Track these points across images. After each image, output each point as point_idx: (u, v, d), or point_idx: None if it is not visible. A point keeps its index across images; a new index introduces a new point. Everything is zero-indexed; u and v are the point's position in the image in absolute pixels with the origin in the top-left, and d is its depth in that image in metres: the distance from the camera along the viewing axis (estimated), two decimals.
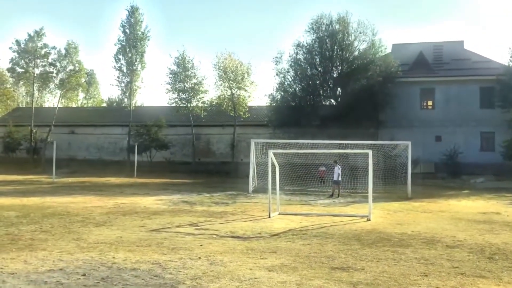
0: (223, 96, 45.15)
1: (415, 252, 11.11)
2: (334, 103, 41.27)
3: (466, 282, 8.46)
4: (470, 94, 39.84)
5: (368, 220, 16.18)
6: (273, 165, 18.17)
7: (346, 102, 38.29)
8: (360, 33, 41.01)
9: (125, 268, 9.11)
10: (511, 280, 8.68)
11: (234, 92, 44.18)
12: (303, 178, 27.18)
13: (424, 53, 42.84)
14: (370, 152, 17.08)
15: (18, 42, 49.34)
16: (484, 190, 28.30)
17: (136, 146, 42.75)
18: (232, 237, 12.93)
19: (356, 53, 41.07)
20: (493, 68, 39.87)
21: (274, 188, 18.01)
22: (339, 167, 25.02)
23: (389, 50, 43.89)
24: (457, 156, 37.28)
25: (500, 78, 37.66)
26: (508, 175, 33.81)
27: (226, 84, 44.29)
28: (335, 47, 40.76)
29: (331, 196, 24.76)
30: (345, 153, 26.13)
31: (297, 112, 39.15)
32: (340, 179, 24.88)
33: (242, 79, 44.13)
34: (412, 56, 42.50)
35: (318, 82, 42.06)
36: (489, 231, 14.22)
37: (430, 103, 41.86)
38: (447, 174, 36.22)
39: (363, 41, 41.19)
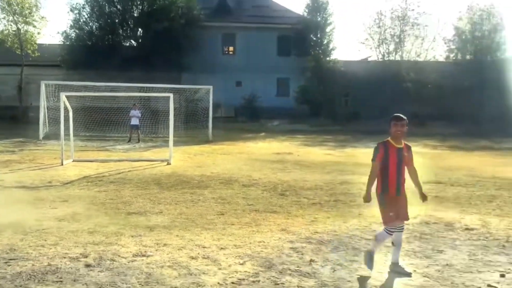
0: (7, 31, 40.09)
1: (213, 192, 11.19)
2: (135, 45, 39.70)
3: (259, 218, 8.72)
4: (268, 41, 41.69)
5: (169, 164, 15.97)
6: (66, 109, 16.74)
7: (148, 44, 37.07)
8: None
9: None
10: (298, 213, 9.20)
11: (20, 27, 39.50)
12: (101, 123, 25.79)
13: None
14: (171, 95, 16.74)
15: None
16: (279, 133, 30.18)
17: None
18: (18, 187, 11.62)
19: None
20: (290, 17, 42.17)
21: (67, 134, 16.68)
22: (139, 111, 24.28)
23: None
24: (255, 100, 39.06)
25: (296, 27, 39.99)
26: (300, 119, 36.57)
27: (11, 18, 39.34)
28: None
29: (129, 141, 24.01)
30: (146, 96, 25.39)
31: (94, 53, 36.61)
32: (139, 123, 24.20)
33: (30, 13, 39.53)
34: (214, 0, 42.67)
35: (117, 20, 39.81)
36: (282, 170, 15.06)
37: (231, 48, 42.86)
38: (246, 118, 37.81)
39: None
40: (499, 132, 28.20)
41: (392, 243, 6.03)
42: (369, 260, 5.93)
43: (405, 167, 5.97)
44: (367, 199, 5.92)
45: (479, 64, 35.54)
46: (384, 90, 35.55)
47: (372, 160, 5.94)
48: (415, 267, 6.07)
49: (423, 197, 6.07)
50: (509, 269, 6.14)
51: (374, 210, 9.47)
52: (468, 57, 38.32)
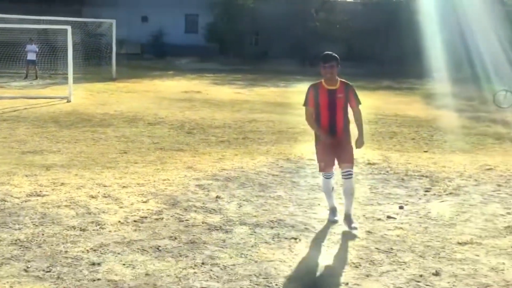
0: None
1: (116, 131, 10.68)
2: None
3: (165, 156, 8.43)
4: None
5: (69, 101, 15.03)
6: None
7: None
8: None
9: None
10: (205, 151, 9.00)
11: None
12: None
13: None
14: (69, 28, 15.59)
15: None
16: (187, 71, 29.40)
17: None
18: None
19: None
20: None
21: None
22: (36, 45, 22.55)
23: None
24: (162, 37, 37.63)
25: None
26: (210, 57, 35.80)
27: None
28: None
29: (26, 77, 22.37)
30: (44, 30, 23.54)
31: None
32: (36, 58, 22.53)
33: None
34: None
35: None
36: (190, 108, 14.69)
37: None
38: (153, 55, 36.44)
39: None
40: (400, 73, 29.36)
41: (332, 188, 5.63)
42: (330, 213, 5.59)
43: (344, 109, 5.39)
44: (327, 137, 5.36)
45: (385, 6, 36.28)
46: (293, 29, 35.52)
47: (303, 105, 5.49)
48: (319, 201, 6.12)
49: (357, 143, 5.49)
50: (407, 201, 6.38)
51: (282, 147, 9.54)
52: None
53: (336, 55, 5.36)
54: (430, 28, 30.47)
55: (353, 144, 5.51)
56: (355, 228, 5.25)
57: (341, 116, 5.41)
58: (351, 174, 5.39)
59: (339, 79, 5.41)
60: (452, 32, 29.45)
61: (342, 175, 5.41)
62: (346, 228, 5.29)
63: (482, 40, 26.77)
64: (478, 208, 6.10)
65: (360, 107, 5.49)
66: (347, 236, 5.13)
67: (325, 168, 5.48)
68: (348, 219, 5.34)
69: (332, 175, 5.58)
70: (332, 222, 5.51)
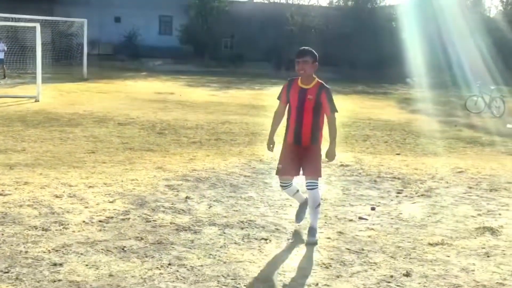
0: None
1: (84, 130, 10.43)
2: None
3: (134, 156, 8.24)
4: None
5: (37, 101, 14.68)
6: None
7: None
8: None
9: None
10: (176, 151, 8.84)
11: None
12: None
13: None
14: (37, 25, 15.29)
15: None
16: (161, 73, 29.10)
17: None
18: None
19: None
20: None
21: None
22: (4, 44, 22.04)
23: None
24: (136, 38, 37.24)
25: None
26: (184, 59, 35.53)
27: None
28: None
29: None
30: (12, 28, 22.99)
31: None
32: (4, 57, 22.00)
33: None
34: None
35: None
36: (162, 109, 14.49)
37: None
38: (126, 56, 35.95)
39: None
40: (375, 78, 29.61)
41: (297, 190, 5.23)
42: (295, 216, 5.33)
43: (314, 114, 4.86)
44: (268, 146, 5.08)
45: (360, 11, 36.60)
46: (268, 33, 35.54)
47: (277, 98, 5.11)
48: (290, 202, 6.02)
49: (328, 155, 5.02)
50: (379, 202, 6.33)
51: (255, 148, 9.43)
52: (350, 3, 39.27)
53: (313, 51, 4.88)
54: (406, 33, 30.89)
55: (324, 155, 5.05)
56: (314, 243, 4.80)
57: (309, 121, 4.85)
58: (315, 186, 4.89)
59: (316, 79, 4.92)
60: (428, 37, 29.85)
61: (306, 186, 4.93)
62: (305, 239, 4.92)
63: (458, 45, 27.18)
64: (449, 209, 6.08)
65: (337, 115, 4.99)
66: (318, 237, 5.04)
67: (281, 173, 5.02)
68: (310, 231, 4.91)
69: (288, 185, 5.10)
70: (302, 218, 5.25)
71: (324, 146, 5.10)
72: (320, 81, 4.92)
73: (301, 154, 4.95)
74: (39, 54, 15.42)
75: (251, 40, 36.25)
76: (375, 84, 27.81)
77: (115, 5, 38.12)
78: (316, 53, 4.90)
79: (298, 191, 5.27)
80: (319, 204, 5.04)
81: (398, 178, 7.52)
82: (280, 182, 5.13)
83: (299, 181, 5.21)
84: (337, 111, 4.95)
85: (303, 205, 5.30)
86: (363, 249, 4.73)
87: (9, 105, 13.61)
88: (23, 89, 17.75)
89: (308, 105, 4.81)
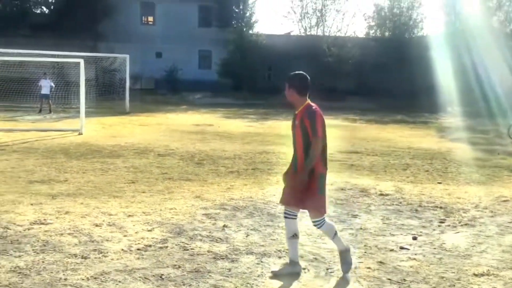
0: None
1: (125, 161, 10.61)
2: (46, 11, 37.26)
3: (173, 186, 8.31)
4: (189, 12, 40.55)
5: (80, 134, 15.08)
6: None
7: (60, 10, 34.81)
8: None
9: None
10: (214, 181, 8.87)
11: None
12: (9, 93, 24.01)
13: None
14: (81, 61, 15.82)
15: None
16: (200, 106, 29.59)
17: None
18: None
19: None
20: None
21: None
22: (50, 80, 22.89)
23: None
24: (176, 73, 38.08)
25: None
26: (222, 92, 36.06)
27: None
28: None
29: (40, 111, 22.61)
30: (58, 65, 23.90)
31: (1, 19, 34.01)
32: (49, 92, 22.82)
33: None
34: None
35: None
36: (201, 141, 14.64)
37: (150, 18, 41.40)
38: (167, 91, 36.78)
39: None
40: (413, 107, 29.25)
41: (294, 234, 4.71)
42: (288, 265, 4.80)
43: (304, 141, 4.53)
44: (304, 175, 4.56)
45: (397, 42, 36.50)
46: (305, 65, 35.73)
47: None
48: None
49: (292, 179, 4.60)
50: (421, 232, 6.16)
51: None
52: (387, 34, 39.25)
53: (291, 75, 4.68)
54: (443, 63, 30.54)
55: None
56: (349, 268, 4.64)
57: (300, 145, 4.54)
58: (321, 223, 4.60)
59: (306, 102, 4.60)
60: (465, 66, 29.46)
61: (288, 213, 4.68)
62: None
63: (494, 74, 26.72)
64: (494, 239, 5.86)
65: (317, 139, 4.44)
66: (358, 267, 4.92)
67: (282, 200, 4.73)
68: (342, 255, 4.69)
69: (291, 215, 4.66)
70: (282, 273, 4.62)
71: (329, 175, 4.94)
72: (308, 103, 4.60)
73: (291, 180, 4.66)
74: (83, 89, 15.92)
75: (289, 72, 36.37)
76: (414, 113, 27.45)
77: (156, 41, 39.29)
78: (294, 77, 4.65)
79: (296, 235, 4.69)
80: (335, 233, 4.70)
81: (440, 207, 7.32)
82: (284, 211, 4.76)
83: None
84: (316, 135, 4.43)
85: (293, 264, 4.72)
86: (405, 280, 4.58)
87: (53, 138, 14.01)
88: (67, 123, 18.32)
89: (297, 130, 4.57)
